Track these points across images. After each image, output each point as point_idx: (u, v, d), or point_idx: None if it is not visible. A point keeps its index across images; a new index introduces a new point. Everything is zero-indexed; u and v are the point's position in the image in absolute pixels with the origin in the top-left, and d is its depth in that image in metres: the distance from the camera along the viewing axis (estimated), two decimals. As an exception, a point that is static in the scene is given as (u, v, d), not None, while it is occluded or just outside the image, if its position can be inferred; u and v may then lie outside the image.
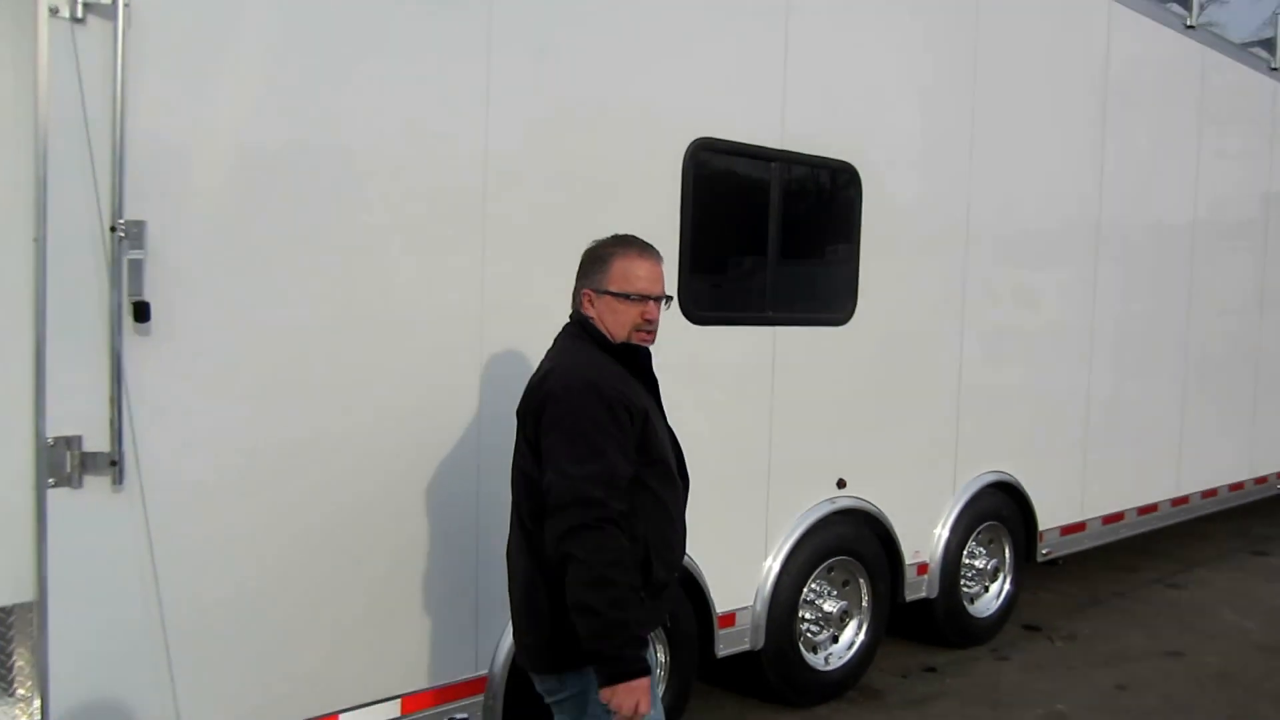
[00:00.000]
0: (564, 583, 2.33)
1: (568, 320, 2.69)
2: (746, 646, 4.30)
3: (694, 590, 4.03)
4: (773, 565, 4.37)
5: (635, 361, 2.59)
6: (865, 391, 4.74)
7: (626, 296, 2.55)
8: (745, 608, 4.29)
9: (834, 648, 4.78)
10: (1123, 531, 6.60)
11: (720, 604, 4.14)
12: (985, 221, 5.27)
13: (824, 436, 4.58)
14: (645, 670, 2.32)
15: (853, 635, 4.83)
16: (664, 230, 3.89)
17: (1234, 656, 5.52)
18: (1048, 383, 5.87)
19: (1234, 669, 5.33)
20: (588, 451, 2.33)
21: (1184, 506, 7.24)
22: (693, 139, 3.97)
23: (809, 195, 4.54)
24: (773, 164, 4.29)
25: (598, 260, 2.61)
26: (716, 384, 4.16)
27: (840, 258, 4.63)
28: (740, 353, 4.23)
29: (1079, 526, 6.19)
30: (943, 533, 5.20)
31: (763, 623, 4.31)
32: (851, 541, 4.72)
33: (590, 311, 2.59)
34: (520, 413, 2.57)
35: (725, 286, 4.29)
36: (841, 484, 4.64)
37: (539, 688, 2.63)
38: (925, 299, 5.04)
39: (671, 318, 3.98)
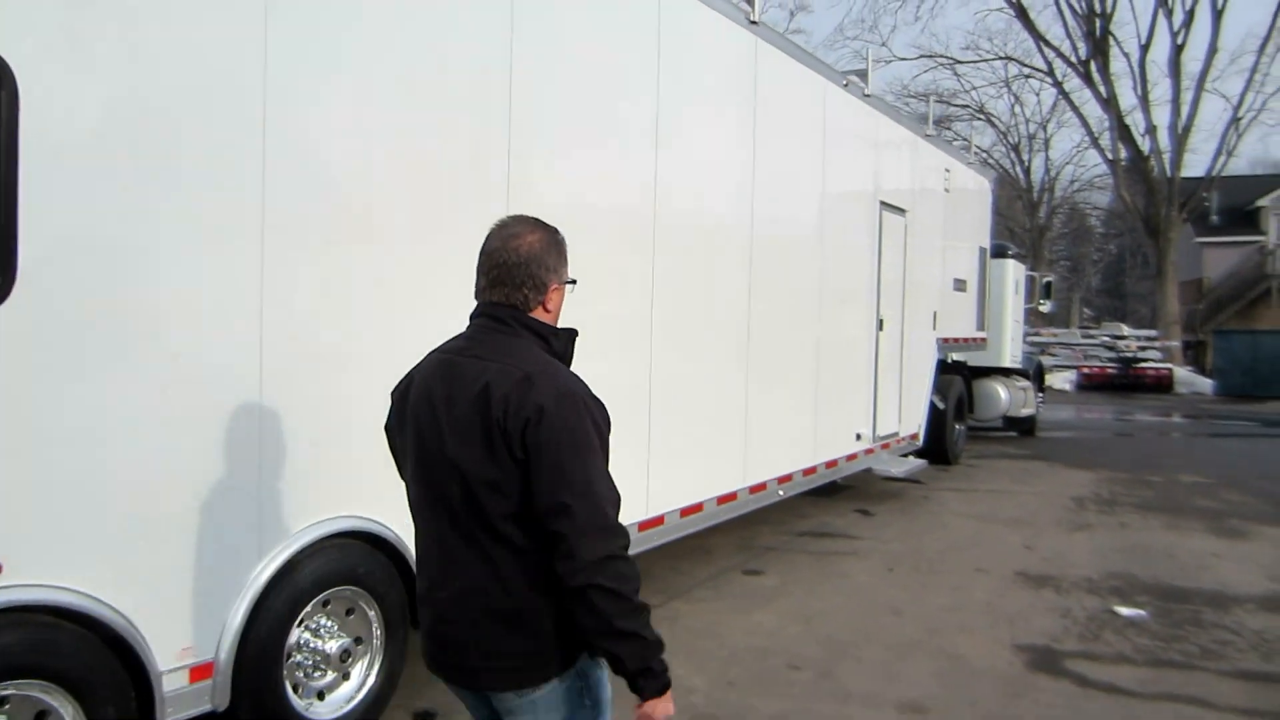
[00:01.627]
0: (559, 601, 2.22)
1: (485, 315, 2.30)
2: None
3: None
4: None
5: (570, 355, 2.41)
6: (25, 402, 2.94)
7: (572, 283, 2.43)
8: None
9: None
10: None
11: None
12: (284, 171, 3.67)
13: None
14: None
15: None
16: None
17: (660, 737, 4.33)
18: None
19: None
20: (598, 473, 2.20)
21: (659, 528, 6.18)
22: None
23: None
24: None
25: (563, 247, 2.38)
26: None
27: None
28: None
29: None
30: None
31: None
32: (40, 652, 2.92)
33: (552, 308, 2.34)
34: (490, 421, 2.17)
35: None
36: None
37: (496, 705, 2.33)
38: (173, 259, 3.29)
39: None
